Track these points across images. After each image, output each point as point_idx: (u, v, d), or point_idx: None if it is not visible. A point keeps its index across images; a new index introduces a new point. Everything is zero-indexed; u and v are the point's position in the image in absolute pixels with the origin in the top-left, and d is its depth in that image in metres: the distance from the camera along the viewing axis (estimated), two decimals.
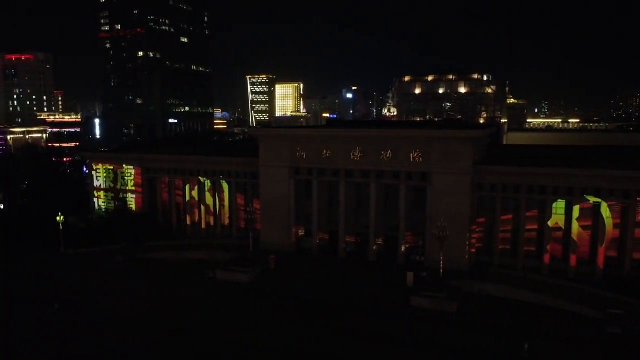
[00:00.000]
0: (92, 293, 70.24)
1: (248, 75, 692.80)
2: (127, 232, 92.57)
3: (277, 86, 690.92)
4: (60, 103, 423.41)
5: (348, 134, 79.53)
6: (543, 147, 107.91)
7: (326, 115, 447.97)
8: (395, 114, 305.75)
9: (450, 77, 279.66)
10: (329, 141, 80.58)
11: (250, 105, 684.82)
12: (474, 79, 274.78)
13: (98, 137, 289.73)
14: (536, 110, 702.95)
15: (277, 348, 53.87)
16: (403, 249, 79.25)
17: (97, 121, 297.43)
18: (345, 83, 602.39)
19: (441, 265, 67.41)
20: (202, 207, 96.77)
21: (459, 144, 73.24)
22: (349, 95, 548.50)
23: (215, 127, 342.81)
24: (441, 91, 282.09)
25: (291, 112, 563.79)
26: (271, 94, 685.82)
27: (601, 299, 62.86)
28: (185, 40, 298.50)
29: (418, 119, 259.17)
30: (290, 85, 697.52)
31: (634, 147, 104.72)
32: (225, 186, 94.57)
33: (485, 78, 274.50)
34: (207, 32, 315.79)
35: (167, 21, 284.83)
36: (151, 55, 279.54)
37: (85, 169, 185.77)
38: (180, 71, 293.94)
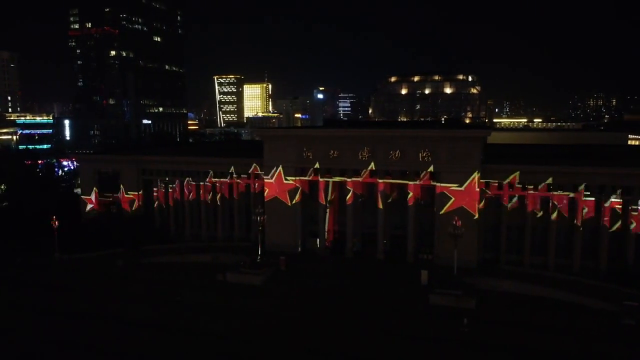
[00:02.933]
0: (102, 299, 68.06)
1: (215, 75, 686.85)
2: (124, 236, 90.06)
3: (245, 86, 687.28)
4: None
5: (357, 133, 79.76)
6: (535, 146, 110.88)
7: (298, 115, 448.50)
8: (378, 114, 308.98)
9: (436, 77, 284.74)
10: (336, 141, 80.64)
11: (218, 105, 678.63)
12: (459, 79, 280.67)
13: (68, 138, 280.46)
14: (497, 110, 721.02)
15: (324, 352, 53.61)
16: (412, 247, 79.99)
17: (67, 122, 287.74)
18: (317, 84, 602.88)
19: (455, 263, 68.70)
20: (202, 209, 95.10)
21: (468, 143, 74.58)
22: (320, 96, 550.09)
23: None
24: (427, 91, 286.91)
25: (262, 113, 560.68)
26: (239, 95, 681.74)
27: (611, 292, 65.19)
28: (159, 39, 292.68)
29: (404, 119, 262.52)
30: (259, 86, 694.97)
31: (618, 146, 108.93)
32: (227, 187, 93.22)
33: (470, 79, 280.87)
34: (180, 32, 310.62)
35: (140, 20, 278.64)
36: (124, 54, 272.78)
37: (59, 171, 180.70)
38: (153, 71, 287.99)
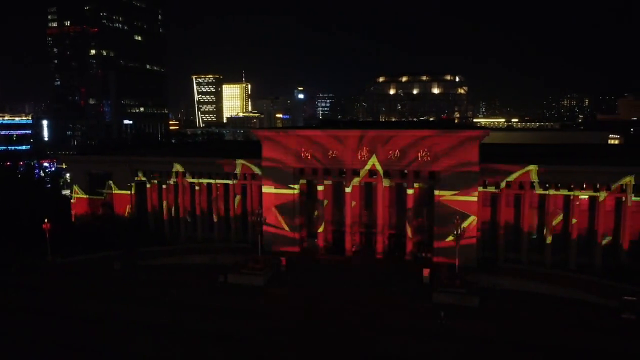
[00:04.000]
0: (107, 303, 66.87)
1: (194, 75, 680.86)
2: (118, 239, 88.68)
3: (224, 86, 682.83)
4: None
5: (356, 134, 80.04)
6: (526, 145, 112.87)
7: (279, 115, 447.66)
8: (366, 114, 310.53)
9: (424, 78, 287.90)
10: (335, 141, 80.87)
11: (196, 105, 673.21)
12: (446, 80, 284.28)
13: (47, 139, 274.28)
14: (474, 110, 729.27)
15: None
16: (411, 245, 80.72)
17: (45, 123, 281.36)
18: (295, 84, 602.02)
19: (457, 262, 69.72)
20: (198, 211, 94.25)
21: (467, 143, 75.58)
22: (301, 96, 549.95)
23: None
24: (415, 92, 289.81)
25: (243, 113, 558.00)
26: (218, 95, 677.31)
27: (609, 288, 66.87)
28: (140, 38, 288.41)
29: (393, 119, 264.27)
30: (238, 86, 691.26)
31: (603, 145, 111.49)
32: (223, 188, 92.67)
33: (457, 79, 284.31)
34: (161, 31, 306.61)
35: (120, 18, 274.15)
36: (104, 53, 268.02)
37: (39, 172, 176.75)
38: (134, 70, 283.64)
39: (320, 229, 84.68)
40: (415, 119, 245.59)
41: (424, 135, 77.79)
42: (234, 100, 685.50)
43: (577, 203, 76.09)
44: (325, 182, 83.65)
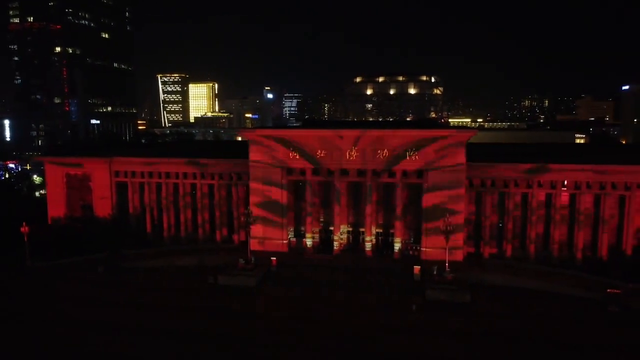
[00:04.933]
0: (94, 307, 65.34)
1: (159, 74, 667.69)
2: (99, 241, 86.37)
3: (190, 85, 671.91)
4: None
5: (346, 133, 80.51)
6: (501, 145, 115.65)
7: (249, 115, 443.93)
8: (344, 114, 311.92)
9: (400, 78, 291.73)
10: (324, 141, 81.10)
11: (162, 105, 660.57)
12: (422, 80, 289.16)
13: (8, 139, 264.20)
14: None
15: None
16: (399, 243, 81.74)
17: (7, 122, 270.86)
18: (262, 83, 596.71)
19: (447, 258, 71.17)
20: (181, 212, 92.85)
21: (454, 143, 77.10)
22: (270, 96, 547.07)
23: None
24: (392, 92, 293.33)
25: (211, 113, 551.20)
26: (184, 94, 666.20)
27: (593, 282, 69.40)
28: (107, 36, 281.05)
29: (370, 119, 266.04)
30: (205, 85, 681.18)
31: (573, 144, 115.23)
32: (208, 189, 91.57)
33: (433, 80, 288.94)
34: (129, 28, 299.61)
35: (86, 15, 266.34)
36: (70, 51, 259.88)
37: (3, 173, 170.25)
38: (101, 69, 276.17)
39: (309, 228, 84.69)
40: (392, 119, 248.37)
41: (412, 135, 78.89)
42: (200, 99, 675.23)
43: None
44: (314, 181, 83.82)
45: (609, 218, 77.71)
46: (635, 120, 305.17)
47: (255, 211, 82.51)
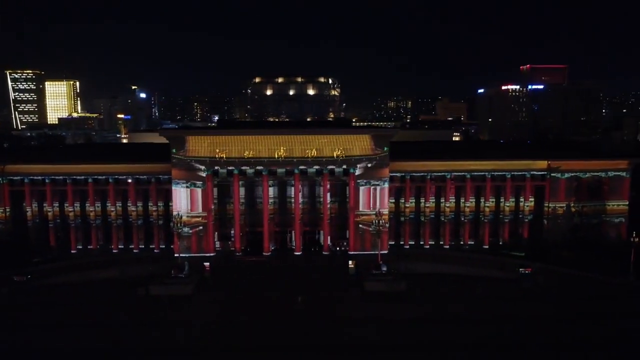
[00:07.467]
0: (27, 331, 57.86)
1: (9, 70, 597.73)
2: None
3: (47, 83, 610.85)
4: None
5: (274, 134, 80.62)
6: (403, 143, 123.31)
7: (121, 115, 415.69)
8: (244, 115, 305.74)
9: (299, 79, 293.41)
10: (252, 142, 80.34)
11: (12, 104, 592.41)
12: (320, 81, 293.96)
13: None
14: None
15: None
16: (329, 240, 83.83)
17: None
18: (135, 83, 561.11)
19: (379, 251, 75.02)
20: (91, 221, 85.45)
21: (378, 141, 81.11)
22: (143, 95, 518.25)
23: None
24: (292, 93, 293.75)
25: (74, 113, 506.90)
26: (40, 92, 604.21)
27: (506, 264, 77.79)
28: None
29: (271, 119, 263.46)
30: (64, 83, 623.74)
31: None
32: (122, 195, 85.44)
33: (330, 81, 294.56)
34: None
35: None
36: None
37: None
38: None
39: (237, 230, 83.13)
40: (288, 120, 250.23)
41: (338, 134, 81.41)
42: (59, 99, 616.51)
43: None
44: (241, 181, 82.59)
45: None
46: (490, 119, 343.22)
47: (179, 216, 79.16)
